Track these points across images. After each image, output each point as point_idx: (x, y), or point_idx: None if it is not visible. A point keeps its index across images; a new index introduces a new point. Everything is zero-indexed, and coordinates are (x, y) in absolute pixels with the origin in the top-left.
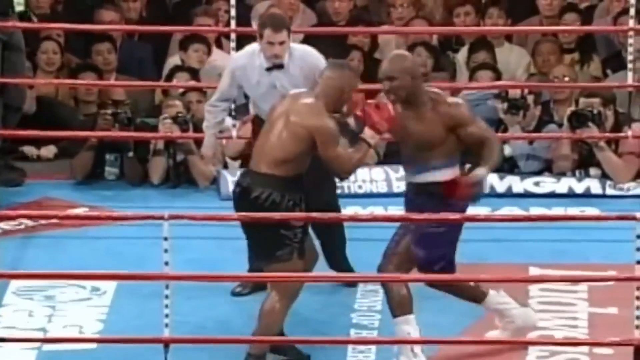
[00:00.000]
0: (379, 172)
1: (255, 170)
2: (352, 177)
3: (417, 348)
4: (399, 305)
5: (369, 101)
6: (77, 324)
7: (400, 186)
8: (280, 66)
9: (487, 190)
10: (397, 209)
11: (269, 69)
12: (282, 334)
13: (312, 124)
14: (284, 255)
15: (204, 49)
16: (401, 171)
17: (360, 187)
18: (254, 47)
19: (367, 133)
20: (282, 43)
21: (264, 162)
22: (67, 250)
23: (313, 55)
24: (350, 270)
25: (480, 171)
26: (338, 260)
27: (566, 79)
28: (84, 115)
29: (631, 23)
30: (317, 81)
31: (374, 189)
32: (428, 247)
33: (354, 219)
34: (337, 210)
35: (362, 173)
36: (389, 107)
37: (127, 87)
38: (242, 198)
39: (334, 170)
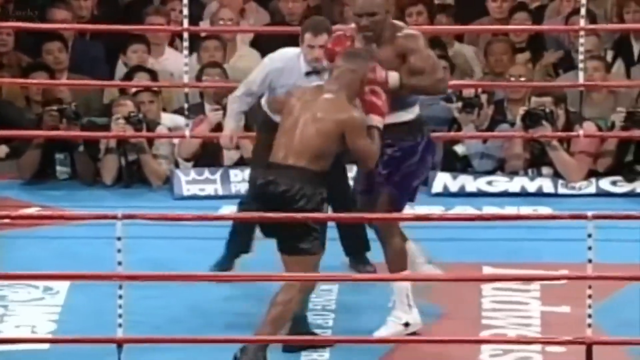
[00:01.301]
0: None
1: (284, 164)
2: None
3: (412, 301)
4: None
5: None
6: (29, 324)
7: None
8: (318, 72)
9: None
10: None
11: (308, 74)
12: (308, 331)
13: (341, 119)
14: (312, 248)
15: (143, 48)
16: None
17: None
18: (293, 50)
19: (374, 118)
20: (322, 47)
21: (295, 156)
22: (20, 250)
23: None
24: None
25: (393, 75)
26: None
27: (522, 78)
28: (36, 114)
29: (582, 23)
30: (340, 75)
31: None
32: (402, 185)
33: (371, 218)
34: (354, 200)
35: None
36: (382, 91)
37: (81, 86)
38: (269, 191)
39: (363, 160)
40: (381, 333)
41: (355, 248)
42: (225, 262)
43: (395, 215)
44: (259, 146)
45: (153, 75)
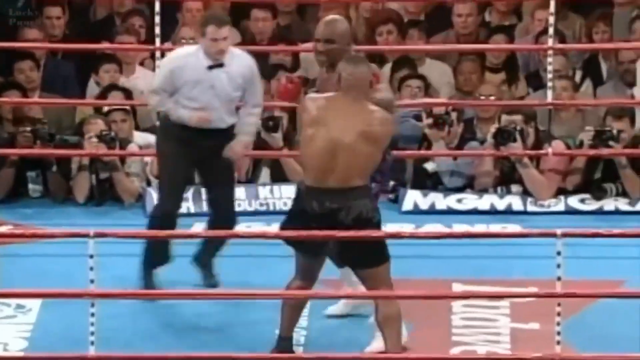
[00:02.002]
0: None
1: (346, 187)
2: (277, 194)
3: None
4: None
5: None
6: (1, 341)
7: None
8: (221, 64)
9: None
10: None
11: (210, 67)
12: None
13: (390, 130)
14: (388, 252)
15: (115, 67)
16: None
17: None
18: (189, 47)
19: None
20: (225, 39)
21: (354, 176)
22: None
23: (248, 57)
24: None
25: None
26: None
27: (492, 97)
28: (8, 133)
29: (550, 42)
30: (349, 82)
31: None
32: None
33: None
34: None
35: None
36: None
37: (53, 104)
38: (339, 219)
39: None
40: (372, 347)
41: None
42: (148, 281)
43: (367, 232)
44: (173, 159)
45: (127, 93)
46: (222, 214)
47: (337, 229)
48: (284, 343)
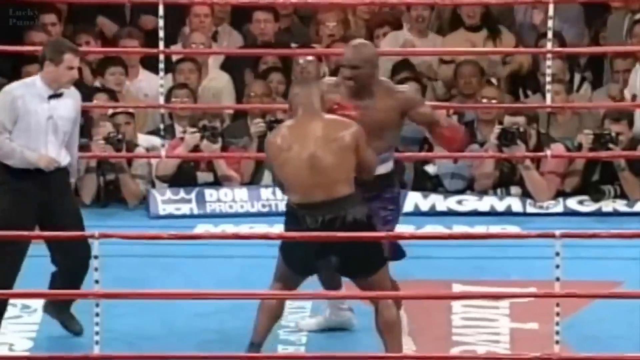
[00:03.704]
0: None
1: (335, 197)
2: (279, 196)
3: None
4: None
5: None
6: (7, 341)
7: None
8: (59, 95)
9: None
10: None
11: (50, 97)
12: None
13: (354, 131)
14: (382, 258)
15: (121, 70)
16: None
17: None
18: (24, 80)
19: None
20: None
21: (336, 186)
22: None
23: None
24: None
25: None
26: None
27: (493, 101)
28: None
29: (549, 46)
30: (301, 101)
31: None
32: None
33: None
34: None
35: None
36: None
37: None
38: (335, 228)
39: (368, 169)
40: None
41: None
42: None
43: (367, 234)
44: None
45: (111, 95)
46: (80, 259)
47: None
48: (253, 349)
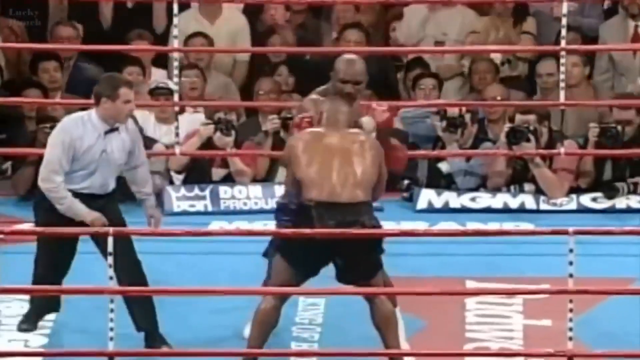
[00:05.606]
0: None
1: (356, 201)
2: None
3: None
4: None
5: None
6: (22, 338)
7: None
8: (115, 129)
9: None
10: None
11: (107, 132)
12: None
13: (378, 146)
14: (379, 264)
15: (138, 70)
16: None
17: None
18: (77, 115)
19: None
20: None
21: (360, 190)
22: (12, 265)
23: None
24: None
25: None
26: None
27: (498, 98)
28: (30, 131)
29: (563, 43)
30: (333, 118)
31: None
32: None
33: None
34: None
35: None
36: None
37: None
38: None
39: (383, 185)
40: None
41: (147, 323)
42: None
43: (381, 230)
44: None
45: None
46: (136, 278)
47: (347, 242)
48: None
